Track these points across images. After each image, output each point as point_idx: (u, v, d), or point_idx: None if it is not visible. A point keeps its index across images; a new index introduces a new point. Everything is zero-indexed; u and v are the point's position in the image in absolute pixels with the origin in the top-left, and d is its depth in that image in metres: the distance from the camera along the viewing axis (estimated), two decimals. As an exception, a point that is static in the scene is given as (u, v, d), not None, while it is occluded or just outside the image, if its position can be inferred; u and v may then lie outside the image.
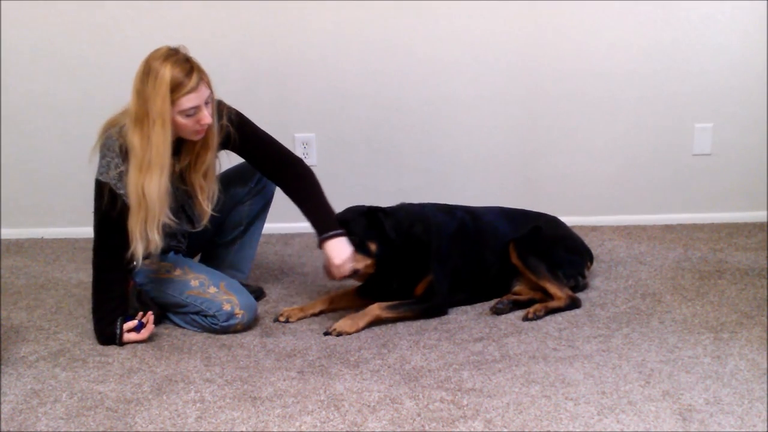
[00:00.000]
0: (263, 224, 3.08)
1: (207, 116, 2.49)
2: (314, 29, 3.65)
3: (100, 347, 2.63)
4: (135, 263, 2.59)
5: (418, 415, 2.18)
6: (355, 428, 2.12)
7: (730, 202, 3.86)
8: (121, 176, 2.50)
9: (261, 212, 3.02)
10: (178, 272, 2.75)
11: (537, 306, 2.80)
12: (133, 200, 2.48)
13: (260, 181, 2.94)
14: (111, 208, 2.52)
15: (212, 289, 2.72)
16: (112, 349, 2.61)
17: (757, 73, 3.71)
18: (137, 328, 2.63)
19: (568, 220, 3.73)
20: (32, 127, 3.75)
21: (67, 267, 3.44)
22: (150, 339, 2.67)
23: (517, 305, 2.83)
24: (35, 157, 3.78)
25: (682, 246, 3.54)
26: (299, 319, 2.82)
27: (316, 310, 2.86)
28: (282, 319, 2.80)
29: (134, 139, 2.45)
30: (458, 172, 3.83)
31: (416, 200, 3.34)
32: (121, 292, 2.66)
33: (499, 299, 2.82)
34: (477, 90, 3.74)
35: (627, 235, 3.71)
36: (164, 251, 2.76)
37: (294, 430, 2.13)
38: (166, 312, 2.80)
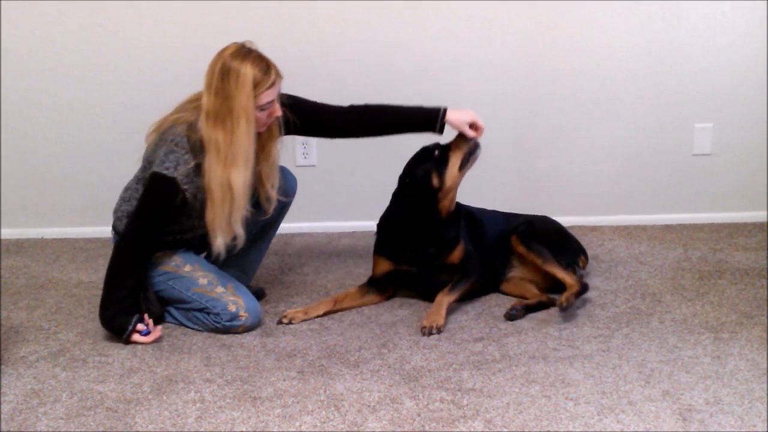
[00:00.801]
0: (276, 230, 3.08)
1: (278, 109, 2.65)
2: (314, 29, 3.65)
3: (100, 347, 2.63)
4: (219, 256, 2.70)
5: (418, 415, 2.18)
6: (355, 428, 2.12)
7: (730, 202, 3.86)
8: (189, 173, 2.56)
9: (277, 219, 3.00)
10: (188, 268, 2.76)
11: (566, 295, 2.77)
12: (217, 194, 2.55)
13: (279, 189, 2.87)
14: (169, 204, 2.58)
15: (219, 289, 2.73)
16: (112, 349, 2.61)
17: (757, 73, 3.71)
18: (144, 332, 2.63)
19: (568, 220, 3.74)
20: (32, 127, 3.75)
21: (67, 267, 3.44)
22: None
23: (528, 309, 2.83)
24: (35, 157, 3.78)
25: (682, 246, 3.54)
26: (302, 321, 2.82)
27: (320, 311, 2.86)
28: (285, 321, 2.80)
29: (217, 135, 2.52)
30: (458, 172, 3.83)
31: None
32: (135, 285, 2.66)
33: (512, 305, 2.82)
34: (476, 90, 3.74)
35: (627, 235, 3.71)
36: (177, 247, 2.78)
37: (294, 430, 2.13)
38: (168, 306, 2.80)
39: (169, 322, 2.81)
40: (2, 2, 3.60)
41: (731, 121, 3.77)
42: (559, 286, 2.88)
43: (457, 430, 2.11)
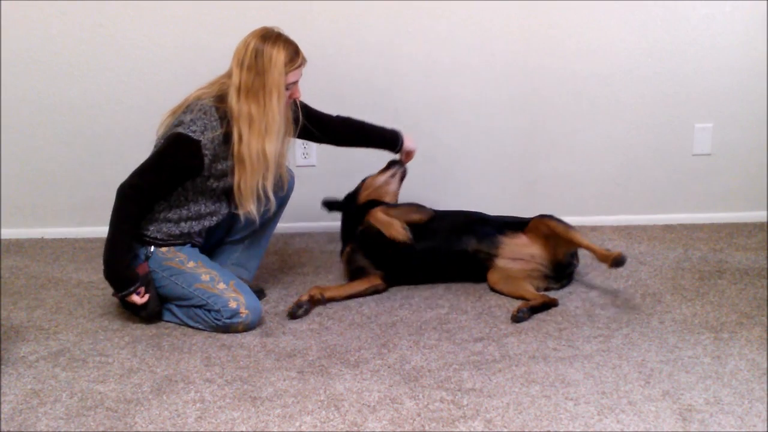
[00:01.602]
0: (275, 225, 3.11)
1: (299, 91, 2.82)
2: (314, 29, 3.65)
3: (100, 347, 2.63)
4: (254, 221, 2.85)
5: (418, 415, 2.18)
6: (355, 428, 2.12)
7: (730, 202, 3.86)
8: (215, 140, 2.66)
9: (277, 213, 3.03)
10: (191, 264, 2.78)
11: (616, 253, 2.82)
12: (250, 161, 2.69)
13: (281, 185, 2.94)
14: (186, 164, 2.67)
15: (221, 286, 2.74)
16: (112, 349, 2.62)
17: (757, 73, 3.71)
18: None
19: (568, 220, 3.73)
20: (32, 127, 3.75)
21: (67, 267, 3.44)
22: (150, 338, 2.68)
23: (534, 310, 2.83)
24: (35, 157, 3.78)
25: (682, 246, 3.54)
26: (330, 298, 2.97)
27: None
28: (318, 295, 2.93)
29: (250, 108, 2.67)
30: (458, 172, 3.83)
31: (416, 201, 3.35)
32: (132, 242, 2.73)
33: (518, 308, 2.82)
34: (477, 90, 3.74)
35: (627, 235, 3.71)
36: (182, 244, 2.81)
37: (294, 430, 2.13)
38: (169, 304, 2.80)
39: (168, 321, 2.82)
40: (2, 2, 3.60)
41: (731, 121, 3.77)
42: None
43: (457, 430, 2.11)
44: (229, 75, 2.72)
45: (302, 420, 2.17)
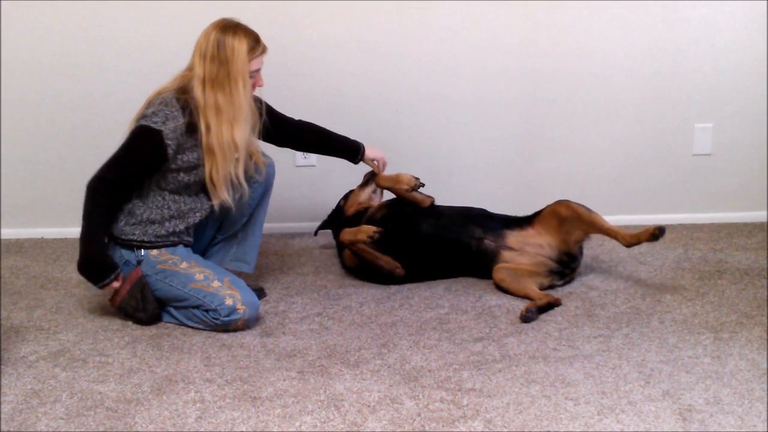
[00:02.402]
0: (265, 213, 3.11)
1: (261, 80, 2.85)
2: (314, 29, 3.65)
3: (100, 347, 2.63)
4: (243, 215, 2.95)
5: (418, 415, 2.18)
6: (355, 428, 2.12)
7: (730, 202, 3.86)
8: (177, 129, 2.68)
9: (262, 200, 3.04)
10: (184, 265, 2.78)
11: (652, 228, 2.89)
12: (220, 150, 2.72)
13: (257, 170, 2.96)
14: (150, 155, 2.69)
15: (216, 284, 2.74)
16: (112, 349, 2.62)
17: (757, 73, 3.71)
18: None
19: (568, 220, 3.74)
20: (32, 127, 3.75)
21: (67, 267, 3.44)
22: (150, 338, 2.68)
23: (540, 310, 2.83)
24: (35, 157, 3.78)
25: (682, 246, 3.54)
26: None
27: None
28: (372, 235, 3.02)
29: (216, 98, 2.70)
30: (458, 172, 3.83)
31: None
32: (109, 226, 2.78)
33: (526, 308, 2.81)
34: (476, 90, 3.74)
35: (627, 235, 3.71)
36: (174, 244, 2.81)
37: (294, 430, 2.13)
38: (167, 306, 2.80)
39: (168, 322, 2.81)
40: (2, 2, 3.60)
41: (731, 121, 3.77)
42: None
43: (457, 430, 2.11)
44: (190, 68, 2.76)
45: (302, 420, 2.17)
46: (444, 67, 3.70)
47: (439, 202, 3.46)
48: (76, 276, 3.31)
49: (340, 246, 3.27)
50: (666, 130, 3.79)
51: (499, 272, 3.06)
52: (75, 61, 3.67)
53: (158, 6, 3.62)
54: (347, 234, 3.09)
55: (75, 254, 3.58)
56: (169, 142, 2.68)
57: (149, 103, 2.74)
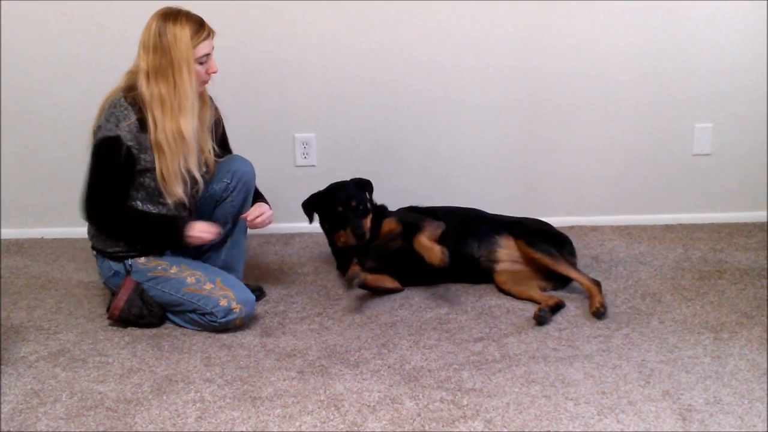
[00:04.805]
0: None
1: (214, 65, 2.74)
2: (314, 29, 3.65)
3: (100, 347, 2.63)
4: (178, 207, 2.77)
5: (418, 415, 2.18)
6: (355, 428, 2.12)
7: (730, 202, 3.86)
8: (131, 128, 2.63)
9: (244, 205, 2.94)
10: (174, 269, 2.76)
11: (599, 300, 2.81)
12: (168, 143, 2.64)
13: (235, 175, 2.89)
14: (117, 162, 2.63)
15: (208, 286, 2.72)
16: (112, 349, 2.62)
17: (757, 73, 3.71)
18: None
19: (568, 220, 3.75)
20: (32, 127, 3.75)
21: (67, 267, 3.44)
22: (150, 338, 2.68)
23: (553, 310, 2.81)
24: (35, 157, 3.78)
25: (682, 246, 3.54)
26: (374, 286, 2.98)
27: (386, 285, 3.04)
28: (360, 278, 2.89)
29: (160, 89, 2.63)
30: (458, 172, 3.83)
31: (416, 201, 3.36)
32: (143, 212, 2.74)
33: (539, 308, 2.80)
34: (477, 90, 3.74)
35: (627, 235, 3.71)
36: (160, 251, 2.79)
37: (294, 430, 2.13)
38: (166, 311, 2.80)
39: (169, 321, 2.81)
40: (2, 2, 3.60)
41: (731, 121, 3.77)
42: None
43: (457, 430, 2.11)
44: (136, 64, 2.69)
45: (302, 420, 2.17)
46: (444, 67, 3.70)
47: (439, 202, 3.47)
48: (76, 276, 3.32)
49: (341, 256, 3.18)
50: (666, 130, 3.79)
51: (502, 275, 3.06)
52: (75, 60, 3.66)
53: (158, 6, 3.61)
54: (426, 240, 2.92)
55: (75, 254, 3.60)
56: (129, 142, 2.63)
57: (101, 110, 2.69)
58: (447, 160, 3.81)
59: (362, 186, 3.19)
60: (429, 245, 2.89)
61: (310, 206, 3.16)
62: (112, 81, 3.67)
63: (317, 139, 3.77)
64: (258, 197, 2.99)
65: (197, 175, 2.75)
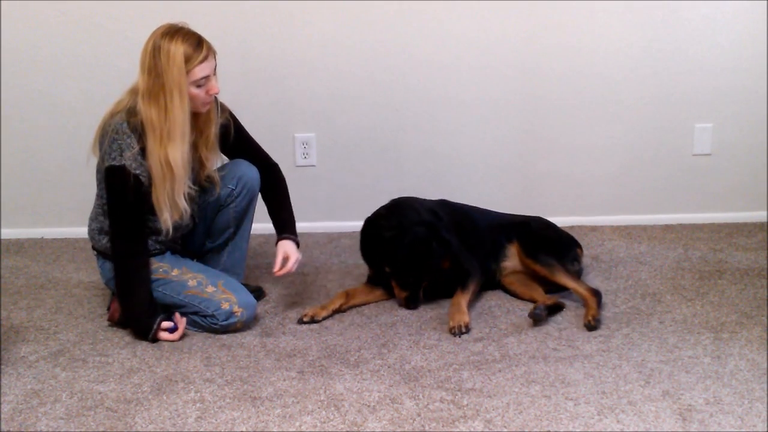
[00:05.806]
0: (251, 223, 3.03)
1: (215, 86, 2.62)
2: (314, 29, 3.65)
3: (100, 347, 2.63)
4: (167, 233, 2.67)
5: (418, 415, 2.18)
6: (355, 428, 2.12)
7: (730, 202, 3.86)
8: (136, 157, 2.56)
9: (247, 211, 2.94)
10: (175, 272, 2.75)
11: (591, 314, 2.74)
12: (157, 171, 2.56)
13: (240, 181, 2.87)
14: (127, 191, 2.57)
15: (210, 288, 2.72)
16: (112, 349, 2.62)
17: (757, 73, 3.71)
18: (171, 330, 2.65)
19: (568, 220, 3.75)
20: (32, 127, 3.75)
21: (67, 267, 3.44)
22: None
23: (549, 310, 2.80)
24: (35, 157, 3.78)
25: (682, 246, 3.54)
26: (325, 318, 2.82)
27: (336, 305, 2.87)
28: (307, 319, 2.79)
29: (151, 113, 2.53)
30: (458, 171, 3.83)
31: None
32: (147, 277, 2.68)
33: (535, 305, 2.79)
34: (477, 90, 3.74)
35: (627, 235, 3.71)
36: (161, 252, 2.78)
37: (294, 430, 2.13)
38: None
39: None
40: (2, 2, 3.60)
41: (731, 121, 3.77)
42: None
43: (457, 430, 2.11)
44: (137, 82, 2.60)
45: (302, 420, 2.17)
46: (444, 66, 3.70)
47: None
48: (76, 276, 3.32)
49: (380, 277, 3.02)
50: (666, 130, 3.79)
51: (508, 276, 3.06)
52: (75, 61, 3.66)
53: (159, 6, 3.61)
54: (454, 324, 2.74)
55: (75, 254, 3.60)
56: (137, 171, 2.56)
57: (104, 133, 2.60)
58: (447, 159, 3.81)
59: (444, 245, 2.91)
60: (463, 309, 2.78)
61: (376, 256, 2.97)
62: (112, 81, 3.68)
63: (317, 139, 3.77)
64: (286, 226, 2.86)
65: (185, 205, 2.65)
